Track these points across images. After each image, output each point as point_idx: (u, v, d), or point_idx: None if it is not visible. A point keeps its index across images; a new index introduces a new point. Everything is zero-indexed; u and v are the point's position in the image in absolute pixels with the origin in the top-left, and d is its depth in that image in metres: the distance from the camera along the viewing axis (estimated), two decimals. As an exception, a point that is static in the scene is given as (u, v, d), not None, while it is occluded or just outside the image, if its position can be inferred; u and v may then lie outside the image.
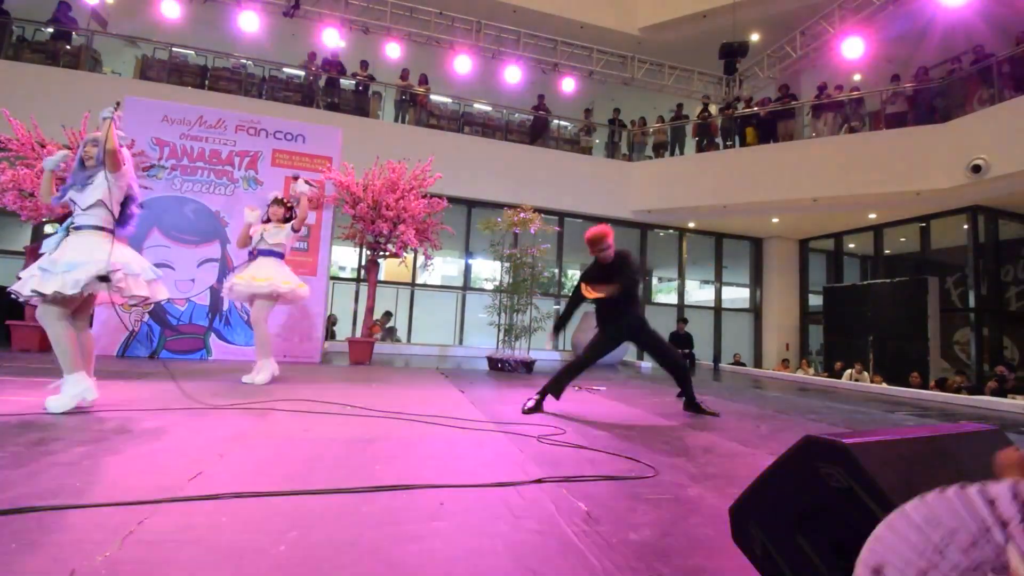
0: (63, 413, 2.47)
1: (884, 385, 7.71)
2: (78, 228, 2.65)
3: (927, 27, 9.10)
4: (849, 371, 8.69)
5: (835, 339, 10.23)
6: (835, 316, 10.35)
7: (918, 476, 0.86)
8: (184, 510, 1.40)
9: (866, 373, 8.70)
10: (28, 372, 3.70)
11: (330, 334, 8.60)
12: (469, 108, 10.86)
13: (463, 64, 10.44)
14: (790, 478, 0.96)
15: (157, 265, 5.73)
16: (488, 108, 11.07)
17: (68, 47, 8.98)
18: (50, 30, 8.92)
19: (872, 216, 9.98)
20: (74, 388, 2.54)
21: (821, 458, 0.88)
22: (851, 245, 11.41)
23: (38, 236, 6.89)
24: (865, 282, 10.48)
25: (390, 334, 9.50)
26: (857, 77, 10.74)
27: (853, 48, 9.39)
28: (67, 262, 2.51)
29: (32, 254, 5.43)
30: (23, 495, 1.42)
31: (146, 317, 5.66)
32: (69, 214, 2.72)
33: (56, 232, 2.67)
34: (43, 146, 5.46)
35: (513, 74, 10.71)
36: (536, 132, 10.92)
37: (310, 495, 1.57)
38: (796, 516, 0.93)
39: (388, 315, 9.56)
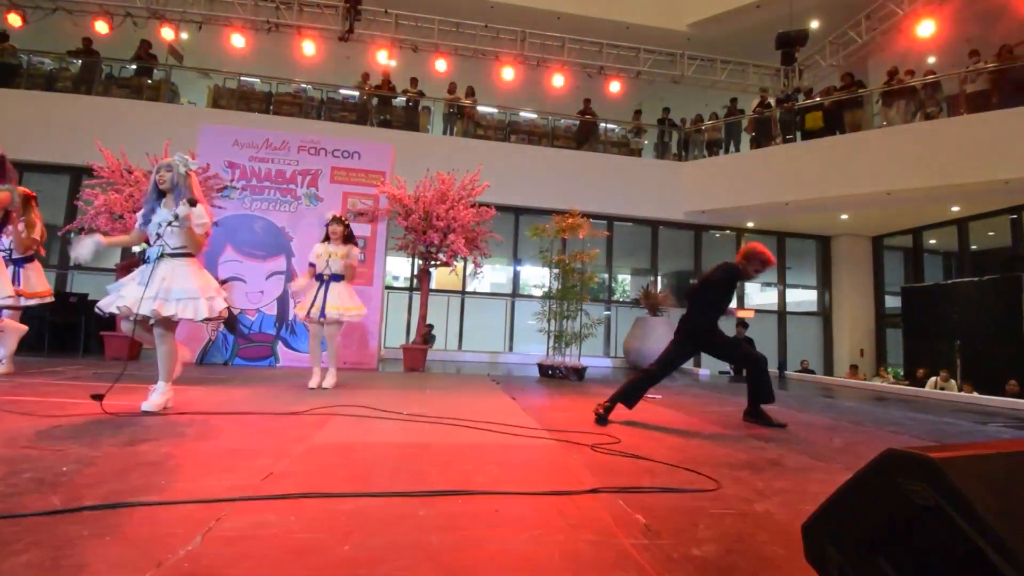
0: (149, 414, 2.81)
1: (975, 394, 7.01)
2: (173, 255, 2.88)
3: (1008, 2, 8.28)
4: (934, 378, 7.98)
5: (916, 344, 9.43)
6: (916, 319, 9.54)
7: (1016, 494, 0.78)
8: (257, 508, 1.49)
9: (953, 381, 7.95)
10: (124, 378, 4.04)
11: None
12: (515, 116, 10.96)
13: (508, 74, 10.56)
14: (870, 494, 0.89)
15: (230, 279, 6.25)
16: (534, 115, 11.13)
17: (149, 81, 9.90)
18: (133, 66, 9.87)
19: (955, 209, 9.16)
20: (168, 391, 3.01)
21: (905, 473, 0.82)
22: (932, 241, 10.52)
23: (127, 255, 7.57)
24: (949, 281, 9.61)
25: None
26: (931, 60, 9.94)
27: (926, 29, 8.69)
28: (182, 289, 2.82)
29: (124, 271, 5.96)
30: (115, 491, 1.56)
31: (221, 327, 6.09)
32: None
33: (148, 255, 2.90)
34: (130, 172, 6.01)
35: (558, 80, 10.71)
36: (583, 136, 10.85)
37: (372, 497, 1.62)
38: (876, 536, 0.86)
39: (429, 327, 9.74)
